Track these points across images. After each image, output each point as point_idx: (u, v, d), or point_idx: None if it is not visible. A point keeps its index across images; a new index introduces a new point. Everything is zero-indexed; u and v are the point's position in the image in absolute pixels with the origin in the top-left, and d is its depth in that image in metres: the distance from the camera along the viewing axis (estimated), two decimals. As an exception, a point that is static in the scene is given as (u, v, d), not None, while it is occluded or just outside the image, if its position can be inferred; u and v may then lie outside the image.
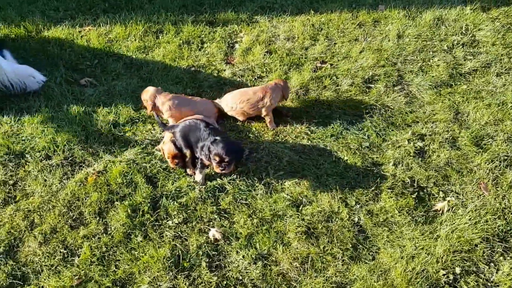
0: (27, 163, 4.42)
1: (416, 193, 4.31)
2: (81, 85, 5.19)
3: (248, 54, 5.66)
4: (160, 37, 5.84)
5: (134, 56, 5.55)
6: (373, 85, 5.37)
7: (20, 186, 4.26)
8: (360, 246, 3.94)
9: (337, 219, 4.12)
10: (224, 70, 5.45)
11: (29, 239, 3.88)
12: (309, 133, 4.83)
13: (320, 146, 4.71)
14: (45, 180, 4.28)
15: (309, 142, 4.75)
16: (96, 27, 5.91)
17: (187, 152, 4.29)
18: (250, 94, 4.73)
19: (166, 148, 4.29)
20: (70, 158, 4.49)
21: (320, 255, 3.87)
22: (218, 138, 4.13)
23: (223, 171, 4.16)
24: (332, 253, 3.89)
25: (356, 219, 4.13)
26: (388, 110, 5.09)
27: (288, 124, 4.89)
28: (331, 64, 5.61)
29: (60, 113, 4.84)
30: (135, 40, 5.74)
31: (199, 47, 5.74)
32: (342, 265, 3.82)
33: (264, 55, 5.66)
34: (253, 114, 4.83)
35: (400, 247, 3.91)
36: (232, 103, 4.76)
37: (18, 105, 4.92)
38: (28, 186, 4.24)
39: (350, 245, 3.94)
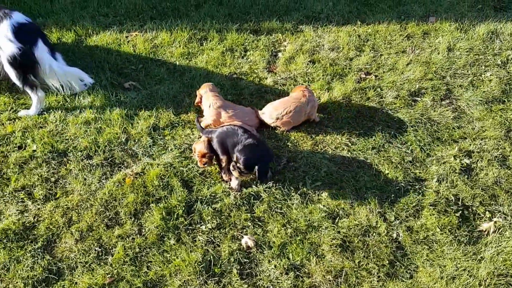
0: (69, 161, 4.57)
1: (460, 212, 4.18)
2: (125, 89, 5.34)
3: (291, 63, 5.68)
4: (204, 44, 5.94)
5: (177, 62, 5.68)
6: (419, 98, 5.26)
7: (61, 183, 4.41)
8: (398, 263, 3.85)
9: (374, 234, 4.04)
10: (266, 78, 5.49)
11: (66, 236, 4.00)
12: (350, 144, 4.77)
13: (360, 158, 4.65)
14: (85, 179, 4.41)
15: (349, 153, 4.69)
16: (143, 33, 6.08)
17: (224, 158, 4.32)
18: (291, 102, 4.74)
19: (198, 147, 4.38)
20: (110, 159, 4.61)
21: (355, 269, 3.80)
22: (246, 144, 4.16)
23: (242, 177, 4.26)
24: (368, 269, 3.81)
25: (394, 235, 4.04)
26: (434, 124, 4.97)
27: (328, 135, 4.85)
28: (376, 76, 5.55)
29: (103, 115, 4.99)
30: (180, 46, 5.87)
31: (242, 55, 5.81)
32: (377, 281, 3.74)
33: (307, 64, 5.66)
34: (299, 123, 4.86)
35: (440, 267, 3.79)
36: (276, 113, 4.78)
37: (64, 106, 5.10)
38: (69, 184, 4.39)
39: (387, 262, 3.85)
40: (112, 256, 3.88)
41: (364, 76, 5.55)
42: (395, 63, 5.68)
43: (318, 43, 5.98)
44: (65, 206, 4.20)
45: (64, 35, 6.01)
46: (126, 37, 6.05)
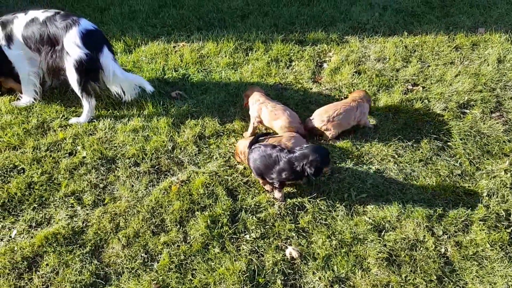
0: (117, 168, 4.65)
1: (512, 228, 4.01)
2: (172, 97, 5.42)
3: (336, 74, 5.63)
4: (250, 54, 5.97)
5: (223, 72, 5.72)
6: (468, 111, 5.12)
7: (109, 190, 4.49)
8: (446, 279, 3.72)
9: (421, 248, 3.92)
10: (311, 89, 5.46)
11: (113, 241, 4.05)
12: (396, 156, 4.67)
13: (407, 171, 4.54)
14: (132, 186, 4.47)
15: (396, 165, 4.59)
16: (190, 44, 6.16)
17: (259, 179, 4.35)
18: (341, 105, 4.73)
19: (241, 144, 4.51)
20: (156, 166, 4.67)
21: (401, 284, 3.70)
22: (297, 150, 4.16)
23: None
24: (415, 284, 3.70)
25: (442, 250, 3.91)
26: (484, 137, 4.82)
27: (374, 146, 4.77)
28: (423, 87, 5.43)
29: (150, 123, 5.07)
30: (226, 56, 5.92)
31: (287, 65, 5.81)
32: (424, 297, 3.61)
33: (353, 75, 5.60)
34: (349, 126, 4.85)
35: (490, 284, 3.65)
36: (326, 116, 4.76)
37: (113, 114, 5.21)
38: (117, 190, 4.46)
39: (435, 277, 3.73)
40: (158, 262, 3.90)
41: (411, 87, 5.44)
42: (443, 75, 5.55)
43: (364, 54, 5.91)
44: (113, 212, 4.27)
45: (114, 45, 6.15)
46: (174, 47, 6.15)
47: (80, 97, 5.08)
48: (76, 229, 4.15)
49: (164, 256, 3.92)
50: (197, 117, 5.13)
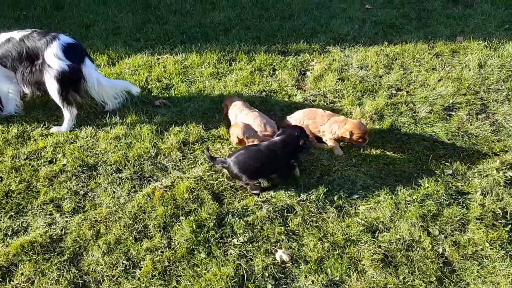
0: (98, 175, 4.23)
1: (510, 226, 3.67)
2: (155, 106, 5.05)
3: (320, 81, 5.33)
4: (233, 65, 5.66)
5: (207, 81, 5.38)
6: (454, 113, 4.84)
7: (90, 197, 4.06)
8: (446, 279, 3.34)
9: (418, 249, 3.55)
10: (296, 95, 5.14)
11: (93, 249, 3.61)
12: (385, 158, 4.34)
13: (397, 172, 4.19)
14: (114, 192, 4.05)
15: (385, 167, 4.26)
16: (173, 56, 5.83)
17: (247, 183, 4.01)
18: (319, 116, 4.39)
19: (235, 132, 4.24)
20: (139, 173, 4.26)
21: (400, 286, 3.31)
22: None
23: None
24: (414, 285, 3.32)
25: (440, 250, 3.54)
26: (472, 137, 4.52)
27: (362, 148, 4.42)
28: (407, 92, 5.15)
29: (133, 131, 4.68)
30: (209, 67, 5.60)
31: (271, 74, 5.50)
32: (424, 298, 3.22)
33: (336, 81, 5.31)
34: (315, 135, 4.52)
35: (493, 284, 3.28)
36: (300, 118, 4.43)
37: (95, 122, 4.81)
38: (98, 197, 4.04)
39: (434, 278, 3.35)
40: (140, 269, 3.45)
41: (395, 92, 5.15)
42: (426, 80, 5.29)
43: (346, 62, 5.64)
44: (93, 219, 3.83)
45: (97, 58, 5.79)
46: (157, 59, 5.82)
47: (61, 106, 4.72)
48: (54, 237, 3.70)
49: (147, 262, 3.48)
50: (181, 124, 4.76)
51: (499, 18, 6.42)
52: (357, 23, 6.41)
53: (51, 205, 3.97)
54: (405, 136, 4.58)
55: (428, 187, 4.02)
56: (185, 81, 5.41)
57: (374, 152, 4.40)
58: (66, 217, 3.87)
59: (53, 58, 4.52)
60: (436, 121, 4.73)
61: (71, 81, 4.60)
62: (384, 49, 5.84)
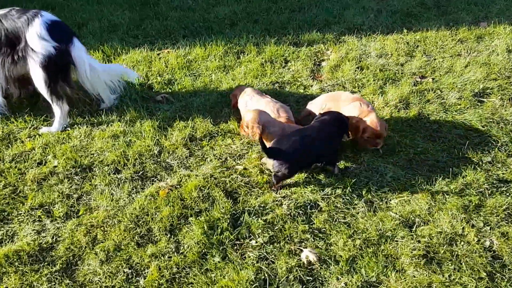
0: (94, 176, 3.90)
1: None
2: (156, 101, 4.73)
3: (337, 71, 5.03)
4: (241, 57, 5.37)
5: (213, 75, 5.08)
6: (485, 99, 4.51)
7: (84, 200, 3.72)
8: (498, 274, 3.00)
9: (462, 243, 3.20)
10: (311, 86, 4.84)
11: (90, 257, 3.26)
12: (415, 147, 4.01)
13: (430, 162, 3.86)
14: (112, 194, 3.71)
15: (416, 156, 3.92)
16: (175, 50, 5.54)
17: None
18: (343, 97, 4.06)
19: (250, 116, 3.85)
20: (141, 172, 3.93)
21: (446, 284, 2.95)
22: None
23: None
24: (462, 283, 2.96)
25: (487, 243, 3.20)
26: (509, 124, 4.19)
27: (389, 138, 4.10)
28: (433, 79, 4.84)
29: (133, 128, 4.36)
30: (215, 60, 5.31)
31: (283, 65, 5.20)
32: (477, 298, 2.85)
33: (355, 71, 5.00)
34: None
35: (553, 279, 2.91)
36: (322, 102, 4.10)
37: (89, 121, 4.49)
38: (93, 200, 3.69)
39: (484, 274, 3.00)
40: (145, 278, 3.09)
41: (419, 79, 4.84)
42: (452, 66, 4.99)
43: (363, 51, 5.35)
44: (88, 224, 3.49)
45: (91, 55, 5.49)
46: (158, 54, 5.52)
47: (50, 101, 4.35)
48: (44, 246, 3.35)
49: (152, 270, 3.13)
50: (186, 119, 4.44)
51: (524, 3, 6.17)
52: (372, 13, 6.16)
53: (40, 210, 3.63)
54: (435, 124, 4.26)
55: (466, 176, 3.69)
56: (189, 75, 5.12)
57: (403, 141, 4.07)
58: (58, 223, 3.53)
59: (37, 39, 4.07)
60: (467, 108, 4.42)
61: (59, 67, 4.17)
62: (403, 37, 5.56)
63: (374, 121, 3.84)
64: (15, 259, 3.24)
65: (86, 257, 3.26)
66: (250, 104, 4.17)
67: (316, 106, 4.13)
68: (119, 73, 4.53)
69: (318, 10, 6.34)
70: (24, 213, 3.61)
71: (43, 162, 4.07)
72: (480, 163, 3.83)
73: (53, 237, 3.41)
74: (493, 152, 3.92)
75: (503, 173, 3.73)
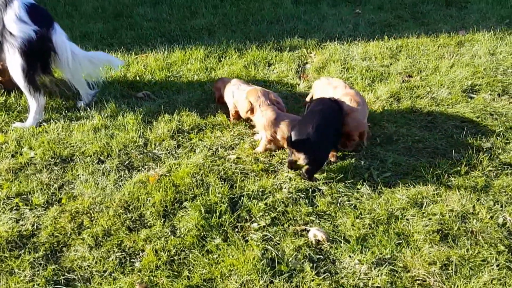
0: (76, 167, 3.66)
1: None
2: (138, 98, 4.59)
3: (323, 72, 5.05)
4: (223, 60, 5.32)
5: (196, 76, 5.00)
6: (475, 95, 4.61)
7: (66, 189, 3.49)
8: (517, 248, 2.92)
9: (475, 220, 3.15)
10: (298, 85, 4.83)
11: (76, 243, 3.02)
12: (412, 136, 4.01)
13: (430, 149, 3.86)
14: (97, 183, 3.50)
15: (415, 144, 3.92)
16: (153, 54, 5.45)
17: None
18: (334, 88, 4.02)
19: (243, 105, 3.83)
20: (126, 162, 3.75)
21: (466, 257, 2.87)
22: None
23: None
24: (482, 257, 2.88)
25: (500, 220, 3.17)
26: (502, 115, 4.30)
27: (385, 128, 4.10)
28: (420, 78, 4.93)
29: (114, 121, 4.18)
30: (196, 62, 5.24)
31: (266, 67, 5.18)
32: (498, 270, 2.77)
33: (341, 71, 5.04)
34: None
35: None
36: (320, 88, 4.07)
37: (66, 115, 4.29)
38: (77, 188, 3.45)
39: (503, 247, 2.93)
40: (140, 261, 2.86)
41: (407, 78, 4.92)
42: (437, 67, 5.12)
43: (347, 55, 5.43)
44: (73, 211, 3.26)
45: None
46: (136, 57, 5.41)
47: (26, 92, 4.14)
48: (24, 233, 3.12)
49: (148, 252, 2.91)
50: (171, 113, 4.30)
51: (498, 15, 6.47)
52: (350, 24, 6.30)
53: (18, 199, 3.38)
54: (429, 116, 4.30)
55: (468, 160, 3.68)
56: (171, 76, 5.01)
57: (399, 131, 4.06)
58: (38, 211, 3.29)
59: (16, 21, 3.85)
60: (458, 102, 4.50)
61: (38, 53, 3.96)
62: (385, 43, 5.69)
63: (357, 118, 3.75)
64: (-9, 246, 2.95)
65: (72, 243, 3.03)
66: (238, 93, 4.10)
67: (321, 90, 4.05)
68: (103, 61, 4.36)
69: (296, 22, 6.45)
70: (-2, 202, 3.33)
71: (18, 153, 3.82)
72: (480, 148, 3.84)
73: (33, 225, 3.18)
74: (492, 139, 3.96)
75: (505, 158, 3.75)
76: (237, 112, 4.12)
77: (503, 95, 4.65)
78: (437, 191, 3.40)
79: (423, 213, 3.20)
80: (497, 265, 2.83)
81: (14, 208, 3.30)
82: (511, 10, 6.75)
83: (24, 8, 3.90)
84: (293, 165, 3.53)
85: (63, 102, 4.51)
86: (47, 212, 3.25)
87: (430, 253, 2.91)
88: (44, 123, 4.21)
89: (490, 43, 5.59)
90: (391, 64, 5.25)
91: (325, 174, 3.55)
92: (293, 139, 3.35)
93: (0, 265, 2.85)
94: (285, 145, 3.79)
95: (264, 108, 3.75)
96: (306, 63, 5.34)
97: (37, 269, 2.83)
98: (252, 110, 3.80)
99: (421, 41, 5.77)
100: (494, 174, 3.58)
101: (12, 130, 4.10)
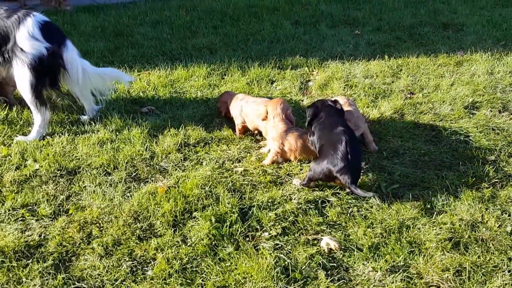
0: (82, 178, 3.69)
1: None
2: (142, 113, 4.65)
3: (326, 89, 5.18)
4: (226, 77, 5.43)
5: (199, 92, 5.08)
6: (476, 112, 4.74)
7: (73, 200, 3.51)
8: (528, 255, 2.99)
9: (484, 229, 3.22)
10: (302, 101, 4.93)
11: (86, 252, 3.02)
12: (418, 149, 4.10)
13: (436, 162, 3.96)
14: (105, 194, 3.53)
15: (421, 157, 4.01)
16: (156, 71, 5.54)
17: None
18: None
19: (259, 111, 4.03)
20: (133, 174, 3.78)
21: (478, 264, 2.93)
22: None
23: None
24: (494, 264, 2.94)
25: (508, 229, 3.23)
26: (504, 130, 4.40)
27: (390, 143, 4.19)
28: (423, 95, 5.06)
29: (120, 135, 4.23)
30: (199, 79, 5.33)
31: (269, 84, 5.29)
32: (510, 275, 2.83)
33: (344, 88, 5.16)
34: None
35: None
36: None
37: (71, 130, 4.33)
38: (84, 199, 3.48)
39: (514, 255, 2.98)
40: (152, 270, 2.87)
41: (409, 95, 5.05)
42: (438, 85, 5.26)
43: (349, 73, 5.57)
44: (81, 221, 3.27)
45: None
46: (138, 74, 5.49)
47: (33, 107, 4.19)
48: (31, 243, 3.12)
49: (159, 260, 2.93)
50: (177, 128, 4.37)
51: (493, 37, 6.68)
52: (350, 44, 6.46)
53: (24, 210, 3.38)
54: (433, 131, 4.41)
55: (475, 172, 3.77)
56: (174, 92, 5.08)
57: (405, 144, 4.16)
58: (45, 221, 3.29)
59: (28, 38, 3.95)
60: (461, 118, 4.61)
61: (48, 69, 4.05)
62: (386, 62, 5.84)
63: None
64: (-2, 256, 2.95)
65: (81, 252, 3.03)
66: (247, 108, 4.18)
67: None
68: (113, 77, 4.43)
69: (296, 42, 6.60)
70: (3, 213, 3.34)
71: (23, 166, 3.84)
72: (485, 161, 3.94)
73: (40, 235, 3.17)
74: (496, 152, 4.06)
75: (509, 170, 3.85)
76: (244, 127, 4.21)
77: (503, 112, 4.78)
78: (446, 201, 3.46)
79: (434, 222, 3.26)
80: (509, 271, 2.89)
81: (20, 219, 3.30)
82: (506, 32, 6.94)
83: (37, 26, 4.01)
84: (311, 184, 3.59)
85: (67, 116, 4.55)
86: (55, 222, 3.26)
87: (442, 260, 2.95)
88: (48, 137, 4.24)
89: (487, 63, 5.75)
90: (393, 81, 5.38)
91: (335, 186, 3.59)
92: (333, 169, 3.40)
93: (8, 274, 2.83)
94: (292, 158, 3.88)
95: (277, 120, 3.84)
96: (309, 80, 5.45)
97: (46, 278, 2.83)
98: (266, 118, 3.89)
99: (421, 60, 5.92)
100: (500, 185, 3.67)
101: (15, 143, 4.11)
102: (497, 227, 3.24)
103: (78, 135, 4.27)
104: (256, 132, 4.29)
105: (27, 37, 3.96)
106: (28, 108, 4.38)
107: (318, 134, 3.67)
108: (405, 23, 7.28)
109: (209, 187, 3.59)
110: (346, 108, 4.00)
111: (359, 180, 3.57)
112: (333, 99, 3.98)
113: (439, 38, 6.69)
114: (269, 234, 3.18)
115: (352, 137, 3.56)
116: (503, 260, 2.96)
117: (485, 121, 4.54)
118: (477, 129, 4.42)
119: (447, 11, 7.85)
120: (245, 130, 4.25)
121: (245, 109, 4.17)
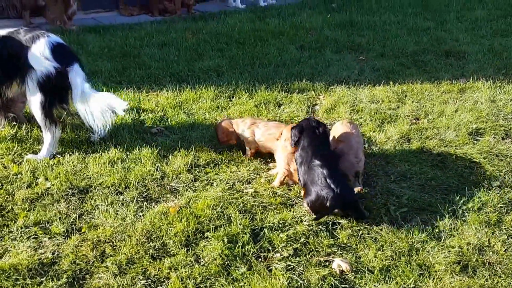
0: (94, 197, 3.77)
1: None
2: (152, 133, 4.75)
3: (332, 113, 5.30)
4: (234, 100, 5.55)
5: (207, 113, 5.20)
6: (480, 138, 4.87)
7: (86, 218, 3.58)
8: (535, 280, 3.07)
9: (491, 253, 3.31)
10: (310, 124, 5.02)
11: (100, 270, 3.08)
12: (425, 174, 4.21)
13: (443, 187, 4.07)
14: (117, 213, 3.60)
15: (429, 182, 4.11)
16: (164, 93, 5.67)
17: None
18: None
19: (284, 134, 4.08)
20: (145, 194, 3.86)
21: (485, 287, 3.00)
22: None
23: None
24: (500, 286, 3.02)
25: (516, 254, 3.31)
26: (507, 157, 4.52)
27: (397, 166, 4.30)
28: (428, 120, 5.19)
29: (130, 155, 4.32)
30: (207, 101, 5.45)
31: (277, 107, 5.41)
32: (520, 300, 2.91)
33: (350, 112, 5.29)
34: None
35: None
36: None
37: (81, 149, 4.41)
38: (96, 218, 3.55)
39: (522, 278, 3.07)
40: (166, 288, 2.94)
41: (414, 121, 5.18)
42: (443, 111, 5.40)
43: (355, 98, 5.70)
44: (95, 239, 3.33)
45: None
46: (146, 95, 5.61)
47: (42, 125, 4.28)
48: (45, 261, 3.17)
49: (173, 280, 2.99)
50: (187, 148, 4.46)
51: (494, 66, 6.86)
52: (355, 69, 6.62)
53: (36, 228, 3.45)
54: (439, 156, 4.52)
55: (480, 197, 3.88)
56: (182, 113, 5.19)
57: (412, 169, 4.27)
58: (57, 239, 3.36)
59: (38, 57, 4.10)
60: (465, 144, 4.72)
61: (57, 89, 4.19)
62: (390, 88, 5.98)
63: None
64: (11, 273, 3.01)
65: (95, 271, 3.09)
66: (259, 132, 4.27)
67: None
68: (109, 103, 4.25)
69: (302, 66, 6.75)
70: (15, 230, 3.41)
71: (34, 184, 3.92)
72: (490, 187, 4.05)
73: (53, 253, 3.23)
74: (500, 178, 4.17)
75: (514, 196, 3.96)
76: (256, 150, 4.31)
77: (506, 139, 4.90)
78: (454, 225, 3.56)
79: (442, 245, 3.34)
80: (518, 295, 2.97)
81: (32, 236, 3.36)
82: (506, 61, 7.12)
83: (49, 46, 4.16)
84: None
85: (76, 136, 4.63)
86: (68, 240, 3.33)
87: (452, 283, 3.04)
88: (58, 155, 4.32)
89: (490, 91, 5.91)
90: (398, 107, 5.51)
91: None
92: (329, 204, 3.49)
93: (23, 290, 2.89)
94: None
95: (288, 143, 3.95)
96: (316, 104, 5.58)
97: (62, 294, 2.88)
98: (278, 138, 4.06)
99: (425, 87, 6.07)
100: (505, 210, 3.77)
101: (26, 161, 4.19)
102: (504, 251, 3.32)
103: (88, 154, 4.35)
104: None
105: (37, 56, 4.12)
106: (38, 126, 4.47)
107: (300, 170, 3.80)
108: (408, 50, 7.47)
109: (221, 207, 3.67)
110: (347, 131, 4.09)
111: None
112: (316, 119, 4.10)
113: (441, 66, 6.86)
114: (281, 255, 3.25)
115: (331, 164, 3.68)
116: (510, 283, 3.05)
117: (488, 148, 4.66)
118: (481, 155, 4.53)
119: (449, 39, 8.06)
120: (255, 154, 4.36)
121: (258, 135, 4.26)
